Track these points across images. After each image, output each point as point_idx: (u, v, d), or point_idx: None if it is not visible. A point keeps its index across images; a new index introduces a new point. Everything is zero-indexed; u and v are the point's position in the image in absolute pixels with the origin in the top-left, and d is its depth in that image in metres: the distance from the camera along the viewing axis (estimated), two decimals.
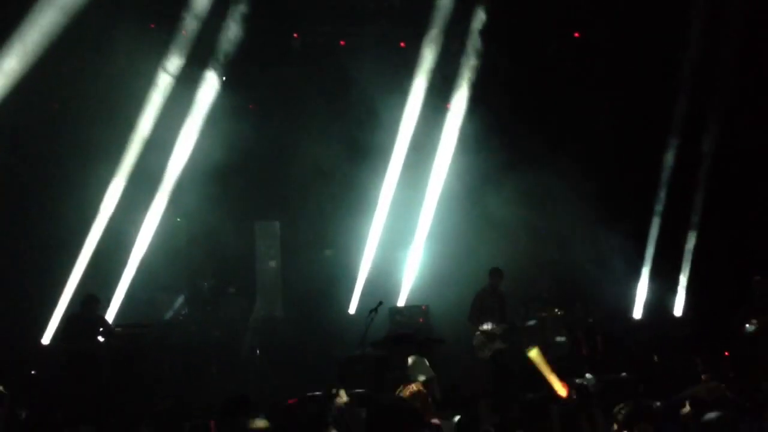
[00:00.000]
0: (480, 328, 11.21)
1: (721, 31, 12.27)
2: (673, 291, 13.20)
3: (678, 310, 13.21)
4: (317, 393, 9.31)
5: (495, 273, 11.45)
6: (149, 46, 12.46)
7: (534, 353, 8.74)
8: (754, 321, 10.45)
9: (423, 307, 12.98)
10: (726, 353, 10.23)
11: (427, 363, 8.04)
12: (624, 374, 10.57)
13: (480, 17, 12.69)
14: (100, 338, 10.97)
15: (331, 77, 13.51)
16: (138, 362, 11.20)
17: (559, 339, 11.51)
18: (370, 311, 10.28)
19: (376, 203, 13.49)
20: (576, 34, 13.25)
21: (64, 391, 10.52)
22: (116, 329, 11.49)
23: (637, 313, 13.40)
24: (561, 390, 8.34)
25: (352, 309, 13.47)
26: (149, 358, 11.36)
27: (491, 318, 11.21)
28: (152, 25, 12.75)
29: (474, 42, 12.91)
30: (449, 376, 10.12)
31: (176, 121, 12.94)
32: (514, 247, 13.19)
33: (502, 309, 11.37)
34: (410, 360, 8.10)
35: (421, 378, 7.70)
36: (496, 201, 13.01)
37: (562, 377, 8.62)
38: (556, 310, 12.12)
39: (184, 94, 12.85)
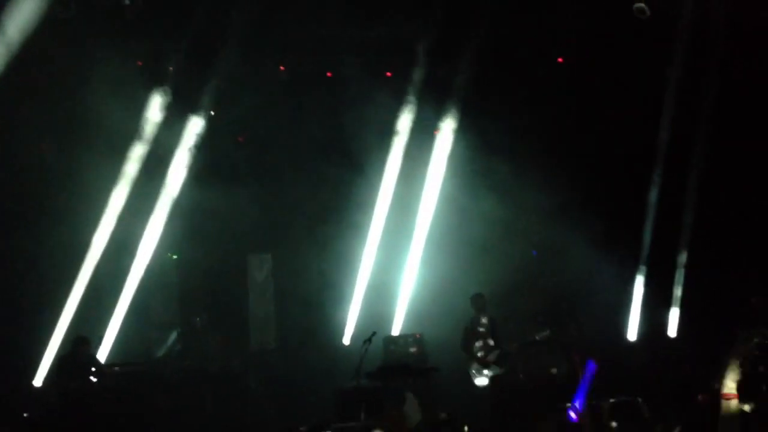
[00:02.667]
0: (475, 355, 11.17)
1: (705, 51, 12.39)
2: (667, 312, 13.20)
3: (672, 330, 13.21)
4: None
5: (476, 298, 11.47)
6: (135, 81, 12.55)
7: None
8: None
9: (417, 336, 12.95)
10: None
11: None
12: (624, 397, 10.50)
13: (468, 46, 12.78)
14: (93, 378, 10.88)
15: (319, 107, 13.59)
16: (131, 401, 11.10)
17: (553, 370, 11.43)
18: (364, 341, 10.26)
19: (367, 233, 13.49)
20: (560, 60, 13.37)
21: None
22: (108, 368, 11.40)
23: (632, 334, 13.38)
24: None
25: (347, 339, 13.43)
26: (143, 396, 11.25)
27: (483, 344, 11.19)
28: (139, 63, 12.83)
29: (462, 69, 13.01)
30: (444, 404, 10.09)
31: (165, 155, 12.97)
32: (507, 271, 13.21)
33: (494, 334, 11.35)
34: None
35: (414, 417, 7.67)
36: (488, 226, 13.04)
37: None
38: (551, 332, 12.09)
39: (173, 128, 12.90)
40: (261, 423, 11.44)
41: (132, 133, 12.63)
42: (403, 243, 13.61)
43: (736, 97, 12.53)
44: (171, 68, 12.47)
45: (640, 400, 9.77)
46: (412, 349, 12.69)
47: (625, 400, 9.81)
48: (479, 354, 11.16)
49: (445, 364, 11.63)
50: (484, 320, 11.49)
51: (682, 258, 13.17)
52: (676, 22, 12.14)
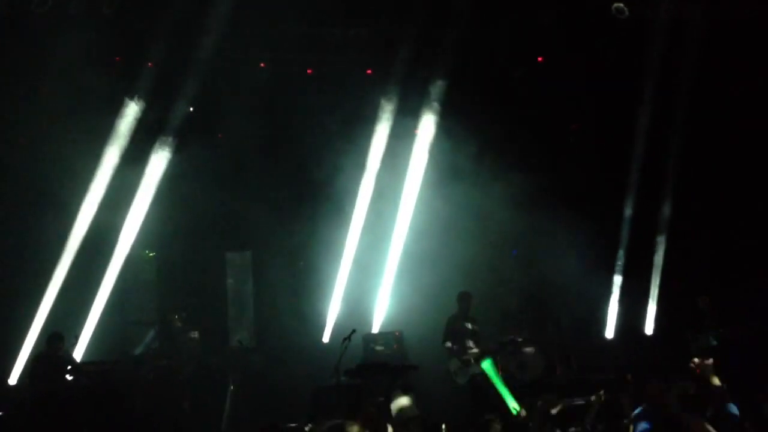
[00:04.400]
0: (455, 353, 11.18)
1: (681, 49, 12.54)
2: (644, 309, 13.33)
3: (649, 328, 13.34)
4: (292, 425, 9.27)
5: (464, 296, 11.49)
6: (117, 75, 12.45)
7: (487, 364, 8.79)
8: (714, 334, 10.86)
9: (396, 333, 12.96)
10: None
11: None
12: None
13: (448, 43, 12.80)
14: (68, 377, 10.76)
15: (298, 106, 13.55)
16: (108, 399, 10.99)
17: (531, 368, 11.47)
18: (344, 339, 10.28)
19: (347, 230, 13.48)
20: (539, 59, 13.44)
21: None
22: (84, 367, 11.29)
23: (609, 332, 13.49)
24: (513, 405, 8.42)
25: (326, 337, 13.40)
26: (119, 395, 11.15)
27: (464, 343, 11.22)
28: (117, 58, 12.72)
29: (442, 68, 13.03)
30: (424, 401, 10.08)
31: (144, 151, 12.87)
32: (486, 270, 13.27)
33: (475, 333, 11.39)
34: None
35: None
36: (468, 223, 13.09)
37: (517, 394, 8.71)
38: (529, 331, 12.16)
39: (152, 124, 12.80)
40: (239, 422, 11.38)
41: (108, 128, 12.51)
42: (383, 241, 13.61)
43: (712, 95, 12.68)
44: (150, 64, 12.35)
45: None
46: (392, 347, 12.71)
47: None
48: (466, 352, 11.13)
49: (425, 362, 11.67)
50: (467, 319, 11.50)
51: (659, 257, 13.30)
52: (653, 23, 12.27)
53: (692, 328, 11.39)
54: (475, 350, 11.20)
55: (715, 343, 10.91)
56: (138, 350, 13.02)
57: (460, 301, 11.49)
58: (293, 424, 10.02)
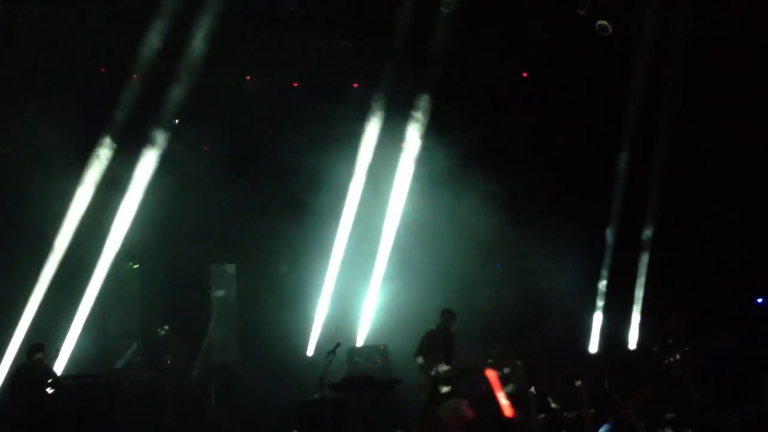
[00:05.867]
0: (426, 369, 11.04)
1: (667, 58, 12.69)
2: (627, 323, 13.41)
3: (632, 342, 13.41)
4: None
5: (447, 314, 11.34)
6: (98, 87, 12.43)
7: (491, 373, 8.82)
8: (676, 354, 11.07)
9: (381, 347, 12.95)
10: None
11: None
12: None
13: (433, 57, 12.88)
14: (49, 390, 10.63)
15: (284, 118, 13.57)
16: (89, 413, 10.87)
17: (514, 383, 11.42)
18: (328, 353, 10.26)
19: (332, 244, 13.47)
20: (524, 74, 13.55)
21: None
22: (65, 380, 11.16)
23: (593, 346, 13.56)
24: (508, 411, 8.47)
25: (310, 351, 13.36)
26: (101, 409, 11.03)
27: (437, 358, 11.07)
28: (103, 69, 12.69)
29: (428, 81, 13.10)
30: (408, 416, 10.09)
31: (129, 164, 12.82)
32: (471, 283, 13.29)
33: (450, 350, 11.24)
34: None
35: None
36: (452, 239, 13.13)
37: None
38: (511, 346, 12.15)
39: (137, 137, 12.76)
40: None
41: (92, 139, 12.45)
42: (368, 255, 13.61)
43: (698, 108, 12.83)
44: (135, 76, 12.32)
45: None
46: (377, 361, 12.68)
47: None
48: (432, 370, 10.99)
49: (409, 376, 11.64)
50: (446, 335, 11.41)
51: (643, 271, 13.40)
52: (638, 38, 12.42)
53: (660, 344, 11.50)
54: (445, 368, 11.02)
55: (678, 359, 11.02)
56: (120, 363, 12.92)
57: (443, 318, 11.36)
58: None
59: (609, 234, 13.58)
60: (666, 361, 11.10)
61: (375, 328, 13.50)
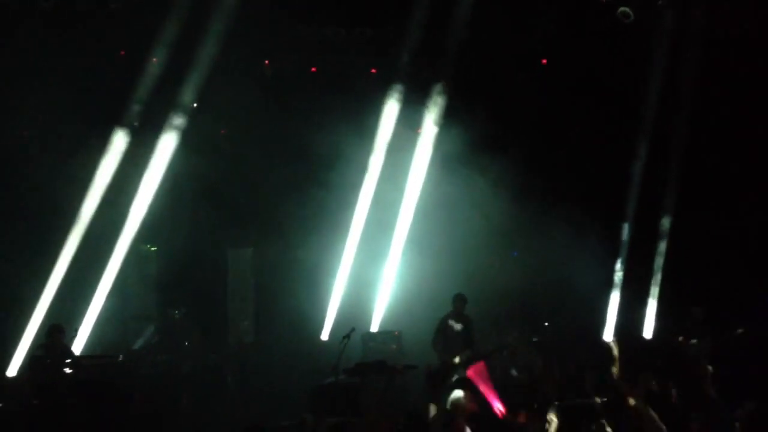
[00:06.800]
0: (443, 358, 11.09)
1: (684, 47, 12.56)
2: (643, 313, 13.34)
3: (648, 332, 13.34)
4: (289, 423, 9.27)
5: (458, 298, 11.44)
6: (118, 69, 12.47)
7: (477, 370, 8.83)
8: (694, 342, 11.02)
9: (396, 333, 12.97)
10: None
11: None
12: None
13: (451, 44, 12.81)
14: (67, 370, 10.78)
15: (301, 103, 13.57)
16: (107, 394, 11.00)
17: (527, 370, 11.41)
18: (343, 338, 10.30)
19: (348, 229, 13.50)
20: (543, 61, 13.44)
21: (31, 424, 10.31)
22: (83, 360, 11.30)
23: (608, 336, 13.50)
24: (498, 408, 8.47)
25: (325, 335, 13.42)
26: (118, 390, 11.17)
27: (455, 344, 11.13)
28: (122, 52, 12.74)
29: (445, 67, 13.04)
30: (422, 401, 10.11)
31: (148, 147, 12.89)
32: (487, 270, 13.27)
33: (467, 334, 11.32)
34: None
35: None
36: (469, 225, 13.10)
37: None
38: (528, 332, 12.14)
39: (156, 120, 12.82)
40: (237, 419, 11.41)
41: (113, 122, 12.53)
42: (384, 240, 13.63)
43: (716, 99, 12.68)
44: (154, 59, 12.36)
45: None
46: (391, 347, 12.72)
47: None
48: (453, 358, 11.04)
49: (424, 362, 11.67)
50: (460, 320, 11.46)
51: (660, 260, 13.31)
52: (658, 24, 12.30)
53: (684, 335, 11.47)
54: (465, 353, 11.04)
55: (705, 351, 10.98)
56: (137, 345, 13.05)
57: (454, 303, 11.48)
58: (290, 422, 10.02)
59: (626, 222, 13.48)
60: (689, 353, 11.07)
61: (390, 314, 13.53)
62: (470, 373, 10.36)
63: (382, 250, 13.62)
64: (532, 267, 13.62)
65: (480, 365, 10.61)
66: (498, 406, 9.21)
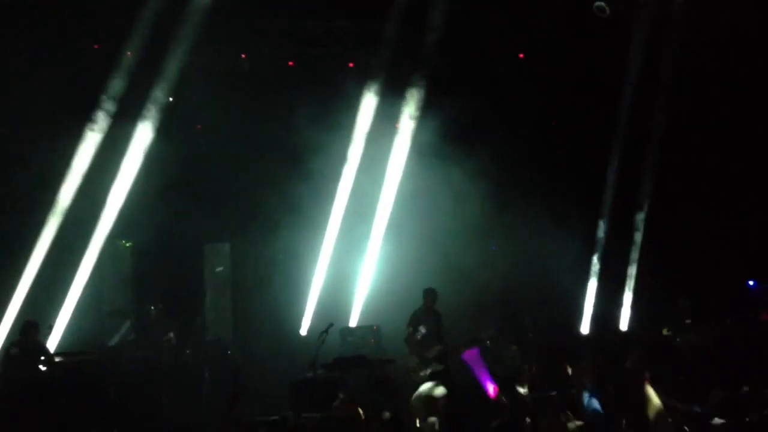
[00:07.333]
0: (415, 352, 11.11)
1: (661, 44, 12.66)
2: (619, 305, 13.47)
3: (624, 324, 13.48)
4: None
5: (428, 293, 11.43)
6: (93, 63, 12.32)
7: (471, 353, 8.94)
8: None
9: (374, 327, 12.98)
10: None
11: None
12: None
13: (430, 38, 12.80)
14: (42, 368, 10.65)
15: (279, 97, 13.49)
16: (83, 390, 10.89)
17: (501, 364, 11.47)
18: (321, 333, 10.29)
19: (326, 224, 13.46)
20: (521, 56, 13.49)
21: (7, 422, 10.17)
22: (59, 357, 11.16)
23: (585, 327, 13.62)
24: (490, 389, 8.57)
25: (304, 330, 13.39)
26: (94, 386, 11.06)
27: (426, 339, 11.14)
28: (96, 46, 12.58)
29: (424, 61, 13.03)
30: (401, 395, 10.13)
31: (123, 141, 12.74)
32: (464, 266, 13.31)
33: (438, 329, 11.32)
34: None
35: None
36: (446, 219, 13.13)
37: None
38: (505, 326, 12.21)
39: (131, 114, 12.68)
40: (214, 414, 11.35)
41: (87, 116, 12.37)
42: (361, 235, 13.61)
43: (695, 91, 12.82)
44: (129, 52, 12.22)
45: None
46: (369, 341, 12.72)
47: None
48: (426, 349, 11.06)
49: (402, 356, 11.69)
50: (431, 315, 11.47)
51: (635, 252, 13.45)
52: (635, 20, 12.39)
53: (672, 325, 11.57)
54: (436, 348, 11.07)
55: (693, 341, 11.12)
56: (113, 341, 12.93)
57: (425, 297, 11.46)
58: (273, 418, 10.00)
59: (603, 215, 13.59)
60: (675, 344, 11.18)
61: (368, 309, 13.53)
62: (465, 356, 10.43)
63: (360, 244, 13.61)
64: (509, 260, 13.69)
65: (474, 350, 10.69)
66: (490, 388, 9.33)
